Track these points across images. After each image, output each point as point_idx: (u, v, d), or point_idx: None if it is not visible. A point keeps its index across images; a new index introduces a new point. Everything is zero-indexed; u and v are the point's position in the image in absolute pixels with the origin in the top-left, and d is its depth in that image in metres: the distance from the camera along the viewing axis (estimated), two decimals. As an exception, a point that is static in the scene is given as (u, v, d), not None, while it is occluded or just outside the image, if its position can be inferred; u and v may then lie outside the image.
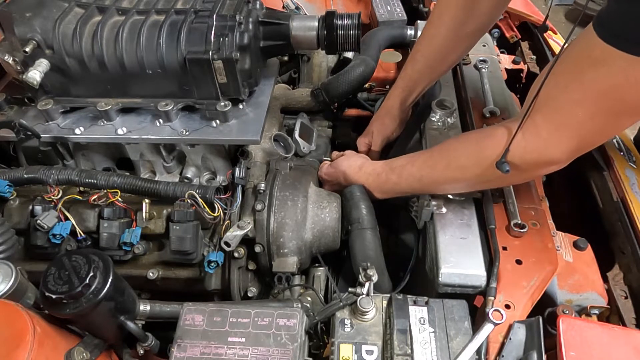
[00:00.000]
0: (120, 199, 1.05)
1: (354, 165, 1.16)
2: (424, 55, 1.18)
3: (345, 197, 1.13)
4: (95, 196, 1.05)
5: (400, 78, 1.26)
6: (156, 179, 1.19)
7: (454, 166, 0.94)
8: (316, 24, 1.14)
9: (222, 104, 1.08)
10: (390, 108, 1.29)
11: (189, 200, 1.02)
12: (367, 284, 0.89)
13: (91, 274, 0.73)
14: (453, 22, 1.09)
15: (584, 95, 0.73)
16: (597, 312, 0.96)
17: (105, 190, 1.06)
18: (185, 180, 1.19)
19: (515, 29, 1.70)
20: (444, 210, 1.01)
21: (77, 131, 1.10)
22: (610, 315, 0.99)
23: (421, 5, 1.78)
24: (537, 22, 1.63)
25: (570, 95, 0.75)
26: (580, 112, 0.75)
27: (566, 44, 0.78)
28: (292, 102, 1.44)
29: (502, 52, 1.60)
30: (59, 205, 1.04)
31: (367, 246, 1.04)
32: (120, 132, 1.09)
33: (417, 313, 0.84)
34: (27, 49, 1.00)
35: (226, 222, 1.06)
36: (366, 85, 1.53)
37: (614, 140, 1.20)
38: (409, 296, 0.87)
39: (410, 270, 1.10)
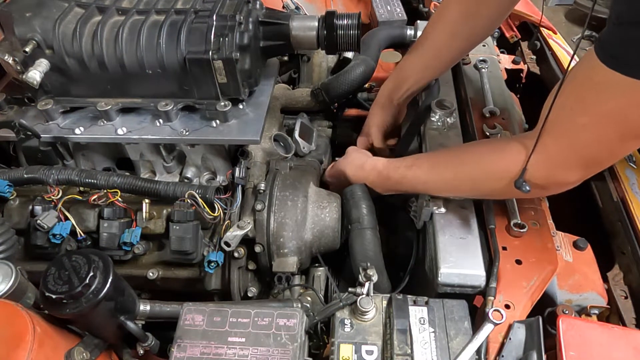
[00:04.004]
0: (120, 199, 1.05)
1: (355, 163, 1.15)
2: (418, 52, 1.20)
3: (345, 196, 1.13)
4: (95, 196, 1.05)
5: (393, 70, 1.28)
6: (156, 179, 1.19)
7: (462, 177, 0.94)
8: (316, 24, 1.14)
9: (222, 104, 1.08)
10: (379, 98, 1.29)
11: (189, 200, 1.02)
12: (367, 284, 0.89)
13: (91, 274, 0.73)
14: (450, 25, 1.10)
15: (589, 119, 0.73)
16: (597, 312, 0.96)
17: (105, 190, 1.06)
18: (185, 180, 1.19)
19: (515, 29, 1.70)
20: (443, 210, 1.01)
21: (77, 131, 1.10)
22: (610, 315, 0.99)
23: (421, 5, 1.79)
24: (537, 22, 1.63)
25: (575, 119, 0.75)
26: (586, 136, 0.75)
27: (572, 62, 0.78)
28: (292, 102, 1.44)
29: (502, 52, 1.60)
30: (59, 205, 1.04)
31: (366, 246, 1.04)
32: (120, 132, 1.09)
33: (417, 313, 0.85)
34: (27, 49, 1.00)
35: (226, 222, 1.06)
36: (366, 85, 1.53)
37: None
38: (409, 296, 0.87)
39: (410, 270, 1.10)
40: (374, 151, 1.32)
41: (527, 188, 0.82)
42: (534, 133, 0.82)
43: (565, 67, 1.44)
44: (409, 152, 1.27)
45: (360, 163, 1.14)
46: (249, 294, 1.13)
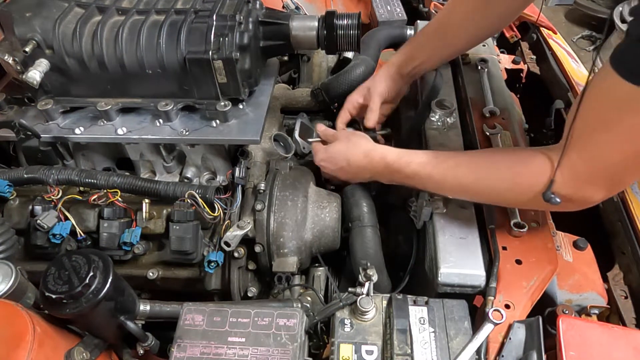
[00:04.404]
0: (120, 199, 1.05)
1: (360, 148, 1.05)
2: (433, 30, 1.17)
3: (346, 195, 1.13)
4: (95, 196, 1.05)
5: (405, 43, 1.25)
6: (156, 179, 1.19)
7: (482, 185, 0.91)
8: (316, 24, 1.14)
9: (222, 104, 1.08)
10: (387, 67, 1.22)
11: (189, 200, 1.02)
12: (367, 284, 0.89)
13: (91, 273, 0.73)
14: (468, 9, 1.09)
15: (612, 136, 0.72)
16: (597, 312, 0.96)
17: (105, 190, 1.06)
18: (185, 180, 1.19)
19: (515, 29, 1.70)
20: (443, 210, 1.01)
21: (77, 131, 1.10)
22: (610, 315, 0.99)
23: (421, 5, 1.79)
24: (537, 22, 1.63)
25: (599, 136, 0.74)
26: (611, 152, 0.74)
27: (591, 76, 0.76)
28: (292, 102, 1.44)
29: (502, 52, 1.60)
30: (59, 205, 1.04)
31: (367, 244, 1.04)
32: (120, 132, 1.09)
33: (417, 313, 0.85)
34: (27, 49, 1.00)
35: (226, 222, 1.06)
36: (366, 85, 1.53)
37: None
38: (408, 296, 0.87)
39: (410, 270, 1.10)
40: (357, 127, 1.27)
41: (558, 200, 0.80)
42: (559, 146, 0.80)
43: (565, 67, 1.45)
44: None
45: (365, 150, 1.04)
46: (249, 294, 1.13)
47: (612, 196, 0.82)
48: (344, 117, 1.27)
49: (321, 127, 1.20)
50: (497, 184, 0.90)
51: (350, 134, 1.12)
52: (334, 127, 1.49)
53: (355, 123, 1.29)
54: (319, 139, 1.21)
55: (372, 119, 1.21)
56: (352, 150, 1.06)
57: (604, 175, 0.78)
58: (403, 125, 1.35)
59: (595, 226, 1.15)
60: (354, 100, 1.24)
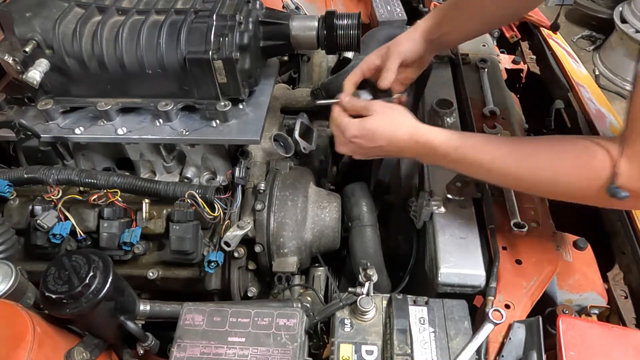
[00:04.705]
0: (120, 199, 1.05)
1: (402, 131, 0.93)
2: (464, 2, 1.07)
3: (346, 194, 1.14)
4: (95, 196, 1.05)
5: (433, 10, 1.15)
6: (156, 179, 1.19)
7: (543, 176, 0.82)
8: (316, 24, 1.14)
9: (222, 103, 1.08)
10: (412, 31, 1.09)
11: (189, 200, 1.02)
12: (367, 284, 0.89)
13: (91, 273, 0.73)
14: None
15: None
16: (597, 312, 0.96)
17: (105, 190, 1.06)
18: (185, 180, 1.19)
19: (515, 29, 1.70)
20: (443, 210, 1.01)
21: (77, 131, 1.10)
22: (610, 315, 0.99)
23: (421, 5, 1.78)
24: (537, 22, 1.63)
25: None
26: None
27: None
28: (292, 102, 1.44)
29: (502, 52, 1.60)
30: (59, 205, 1.04)
31: (366, 243, 1.04)
32: (120, 132, 1.09)
33: (417, 313, 0.85)
34: (27, 49, 1.00)
35: (226, 222, 1.06)
36: (366, 85, 1.53)
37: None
38: (408, 296, 0.87)
39: (410, 270, 1.10)
40: (370, 90, 1.09)
41: (623, 194, 0.73)
42: (618, 138, 0.75)
43: (565, 67, 1.45)
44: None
45: (410, 130, 0.92)
46: (249, 294, 1.13)
47: None
48: (356, 76, 1.08)
49: (346, 97, 1.02)
50: (560, 177, 0.81)
51: (388, 108, 0.97)
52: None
53: (367, 85, 1.12)
54: (336, 100, 1.03)
55: (387, 78, 1.05)
56: (395, 129, 0.93)
57: None
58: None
59: (595, 226, 1.15)
60: (370, 60, 1.09)
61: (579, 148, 0.80)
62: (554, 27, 1.06)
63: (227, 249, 1.03)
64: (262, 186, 1.08)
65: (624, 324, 0.96)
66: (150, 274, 1.07)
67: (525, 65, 1.56)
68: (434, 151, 0.90)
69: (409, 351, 0.79)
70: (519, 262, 0.93)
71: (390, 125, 0.93)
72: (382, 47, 1.11)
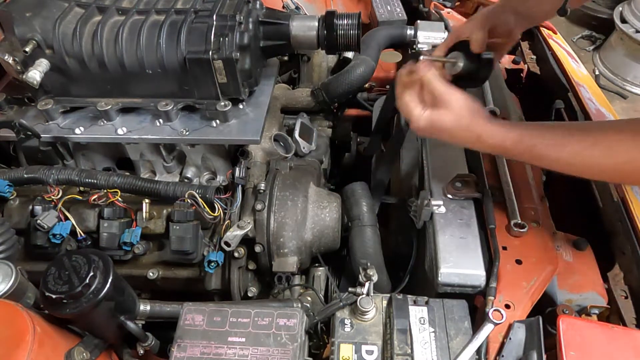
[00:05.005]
0: (120, 199, 1.05)
1: (472, 134, 0.88)
2: None
3: (346, 194, 1.14)
4: (95, 196, 1.05)
5: None
6: (156, 179, 1.19)
7: (629, 168, 0.79)
8: (316, 24, 1.14)
9: (222, 103, 1.08)
10: (503, 0, 1.06)
11: (189, 200, 1.02)
12: (367, 284, 0.89)
13: (91, 273, 0.73)
14: None
15: None
16: (597, 312, 0.96)
17: (105, 190, 1.06)
18: (185, 180, 1.19)
19: (515, 29, 1.69)
20: (443, 210, 1.01)
21: (77, 131, 1.10)
22: (610, 315, 0.99)
23: (421, 5, 1.78)
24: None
25: None
26: None
27: None
28: (292, 102, 1.44)
29: (502, 52, 1.60)
30: (59, 205, 1.04)
31: (366, 243, 1.04)
32: (120, 132, 1.09)
33: (417, 313, 0.85)
34: (27, 49, 1.00)
35: (226, 222, 1.06)
36: (366, 85, 1.53)
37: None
38: (409, 296, 0.87)
39: (410, 270, 1.10)
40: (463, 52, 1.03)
41: None
42: None
43: (565, 67, 1.44)
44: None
45: (480, 134, 0.88)
46: (249, 294, 1.13)
47: None
48: (450, 40, 1.06)
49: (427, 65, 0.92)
50: (632, 156, 0.77)
51: (463, 103, 0.88)
52: (334, 126, 1.49)
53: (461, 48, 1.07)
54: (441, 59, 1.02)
55: (477, 41, 1.02)
56: (463, 131, 0.88)
57: None
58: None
59: (595, 226, 1.15)
60: (463, 26, 1.06)
61: None
62: (562, 12, 1.04)
63: (227, 249, 1.03)
64: (262, 186, 1.08)
65: (624, 324, 0.95)
66: (150, 274, 1.07)
67: (525, 65, 1.56)
68: (507, 152, 0.88)
69: (409, 351, 0.79)
70: (519, 262, 0.93)
71: (458, 127, 0.88)
72: (474, 16, 1.10)
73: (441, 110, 0.88)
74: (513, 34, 1.09)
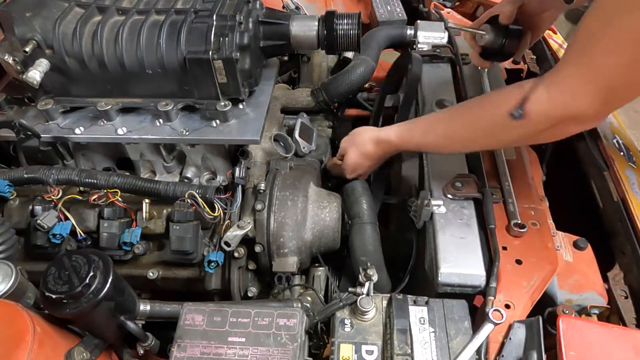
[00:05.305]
0: (120, 199, 1.05)
1: (367, 148, 1.15)
2: None
3: (346, 192, 1.14)
4: (95, 196, 1.05)
5: None
6: (156, 179, 1.19)
7: (478, 127, 0.92)
8: (316, 24, 1.14)
9: (222, 103, 1.08)
10: None
11: (189, 200, 1.02)
12: (367, 284, 0.89)
13: (91, 273, 0.73)
14: None
15: (618, 42, 0.69)
16: (597, 312, 0.95)
17: (105, 190, 1.06)
18: (185, 180, 1.19)
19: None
20: (443, 210, 1.01)
21: (77, 131, 1.10)
22: (610, 315, 0.99)
23: (421, 5, 1.79)
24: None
25: (602, 43, 0.70)
26: (612, 61, 0.70)
27: None
28: (292, 102, 1.44)
29: (502, 52, 1.60)
30: (59, 205, 1.04)
31: (366, 241, 1.04)
32: (120, 132, 1.09)
33: (417, 313, 0.84)
34: (27, 49, 1.00)
35: (226, 222, 1.06)
36: (366, 85, 1.53)
37: (614, 140, 1.20)
38: (409, 296, 0.87)
39: (410, 270, 1.10)
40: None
41: (519, 113, 0.79)
42: (547, 73, 0.79)
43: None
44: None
45: (372, 141, 1.14)
46: (249, 294, 1.13)
47: (608, 114, 0.80)
48: (485, 16, 1.17)
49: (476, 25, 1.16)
50: (475, 115, 0.92)
51: (350, 141, 1.19)
52: (334, 126, 1.49)
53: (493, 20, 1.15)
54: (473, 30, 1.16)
55: (506, 13, 1.12)
56: (363, 152, 1.16)
57: (599, 87, 0.73)
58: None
59: (595, 226, 1.15)
60: (498, 5, 1.15)
61: (498, 91, 0.90)
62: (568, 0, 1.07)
63: (227, 249, 1.03)
64: (262, 186, 1.08)
65: (624, 324, 0.95)
66: (150, 274, 1.07)
67: (525, 65, 1.56)
68: (400, 148, 1.10)
69: (409, 351, 0.79)
70: (519, 262, 0.93)
71: (358, 154, 1.16)
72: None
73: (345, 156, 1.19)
74: (544, 14, 1.16)
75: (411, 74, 1.20)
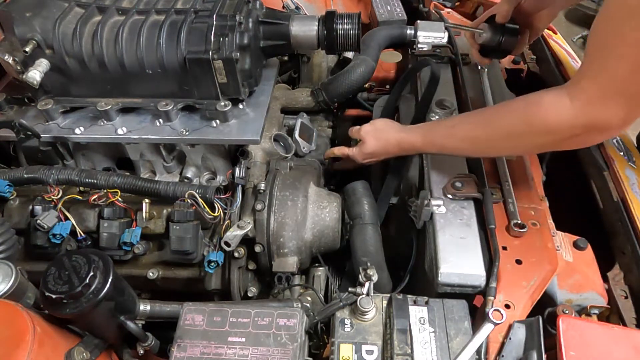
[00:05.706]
0: (120, 199, 1.05)
1: (390, 145, 1.13)
2: None
3: (347, 193, 1.14)
4: (95, 196, 1.05)
5: None
6: (156, 179, 1.19)
7: (498, 134, 0.92)
8: (316, 24, 1.14)
9: (222, 103, 1.08)
10: None
11: (189, 200, 1.02)
12: (367, 284, 0.89)
13: (91, 273, 0.73)
14: None
15: (626, 48, 0.70)
16: (597, 312, 0.96)
17: (105, 190, 1.06)
18: (185, 180, 1.19)
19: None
20: (443, 210, 1.01)
21: (77, 131, 1.10)
22: (610, 315, 0.99)
23: (421, 5, 1.78)
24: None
25: (611, 52, 0.72)
26: (624, 67, 0.71)
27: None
28: (292, 102, 1.44)
29: (502, 52, 1.60)
30: (59, 205, 1.04)
31: (367, 241, 1.04)
32: (120, 132, 1.09)
33: (417, 313, 0.85)
34: (27, 49, 1.00)
35: (226, 222, 1.06)
36: (366, 85, 1.53)
37: (614, 140, 1.20)
38: (409, 296, 0.87)
39: (410, 270, 1.10)
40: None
41: (544, 122, 0.80)
42: (568, 83, 0.79)
43: (565, 67, 1.45)
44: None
45: (396, 140, 1.12)
46: (249, 294, 1.13)
47: (633, 121, 0.78)
48: (485, 15, 1.22)
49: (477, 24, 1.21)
50: (512, 129, 0.89)
51: (373, 131, 1.17)
52: (334, 126, 1.49)
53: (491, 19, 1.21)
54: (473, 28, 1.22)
55: (502, 13, 1.17)
56: (385, 144, 1.14)
57: (618, 93, 0.74)
58: (403, 119, 1.34)
59: (595, 226, 1.15)
60: (497, 5, 1.21)
61: (528, 100, 0.87)
62: None
63: (227, 249, 1.03)
64: (262, 186, 1.08)
65: (624, 324, 0.95)
66: (150, 274, 1.07)
67: (525, 65, 1.56)
68: (421, 150, 1.09)
69: (409, 351, 0.79)
70: (519, 262, 0.93)
71: (378, 147, 1.15)
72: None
73: (366, 143, 1.16)
74: (541, 13, 1.18)
75: (431, 75, 1.22)
